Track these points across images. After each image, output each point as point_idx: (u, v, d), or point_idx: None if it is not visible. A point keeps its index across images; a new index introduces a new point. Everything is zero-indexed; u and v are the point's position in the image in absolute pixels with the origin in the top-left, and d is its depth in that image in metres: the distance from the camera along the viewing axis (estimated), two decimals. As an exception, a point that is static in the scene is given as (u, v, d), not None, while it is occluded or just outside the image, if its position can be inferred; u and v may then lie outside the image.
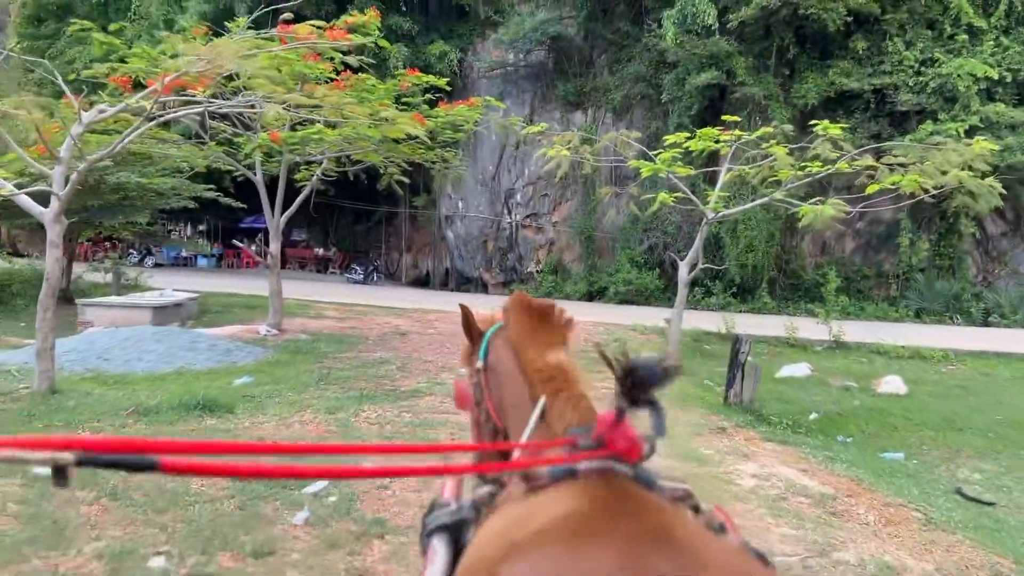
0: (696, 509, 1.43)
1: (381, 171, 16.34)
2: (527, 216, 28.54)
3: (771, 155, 12.41)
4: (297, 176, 14.53)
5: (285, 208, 14.10)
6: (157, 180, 15.33)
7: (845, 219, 24.49)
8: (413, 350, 12.69)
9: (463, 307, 1.91)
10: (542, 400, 1.52)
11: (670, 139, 10.89)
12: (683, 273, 12.41)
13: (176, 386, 8.45)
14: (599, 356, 1.33)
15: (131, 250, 33.76)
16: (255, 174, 13.83)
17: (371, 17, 11.27)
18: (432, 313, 18.76)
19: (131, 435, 5.17)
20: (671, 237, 25.53)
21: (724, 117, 13.44)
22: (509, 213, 28.91)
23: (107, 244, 31.57)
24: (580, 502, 1.17)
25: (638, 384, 1.24)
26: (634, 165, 11.37)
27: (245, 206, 20.82)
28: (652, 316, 20.28)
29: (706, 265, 13.87)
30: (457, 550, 1.44)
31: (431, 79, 12.37)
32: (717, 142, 12.19)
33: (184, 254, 35.64)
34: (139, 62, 9.68)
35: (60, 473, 0.77)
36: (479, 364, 1.90)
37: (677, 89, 23.97)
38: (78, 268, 20.66)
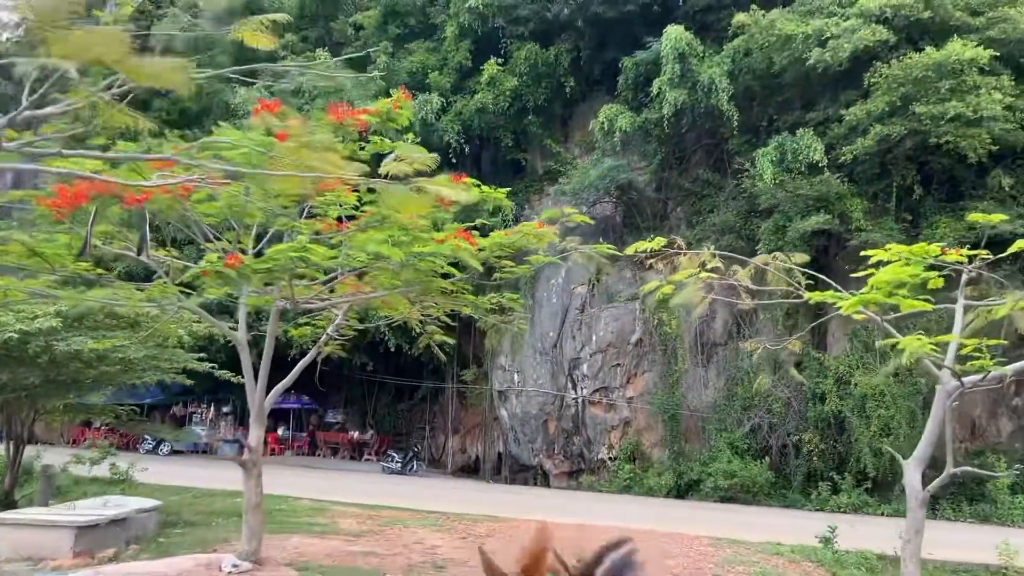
0: None
1: (415, 330, 12.32)
2: (596, 391, 23.97)
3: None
4: (293, 334, 10.57)
5: (277, 379, 9.97)
6: (117, 344, 11.44)
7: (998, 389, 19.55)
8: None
9: (481, 552, 1.68)
10: None
11: (876, 254, 6.59)
12: (914, 479, 7.48)
13: None
14: None
15: (146, 436, 29.90)
16: (239, 329, 9.85)
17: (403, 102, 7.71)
18: (482, 522, 13.92)
19: None
20: (777, 417, 20.57)
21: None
22: (574, 387, 24.39)
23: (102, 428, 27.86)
24: None
25: None
26: (818, 299, 7.08)
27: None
28: (777, 524, 15.04)
29: (964, 469, 9.06)
30: None
31: (489, 192, 8.51)
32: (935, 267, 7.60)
33: (205, 440, 31.60)
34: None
35: None
36: None
37: (776, 238, 19.94)
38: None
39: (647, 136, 23.63)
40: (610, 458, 23.25)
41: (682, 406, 22.26)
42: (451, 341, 12.84)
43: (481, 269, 7.85)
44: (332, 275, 8.92)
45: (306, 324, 10.73)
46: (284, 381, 10.13)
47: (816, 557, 11.07)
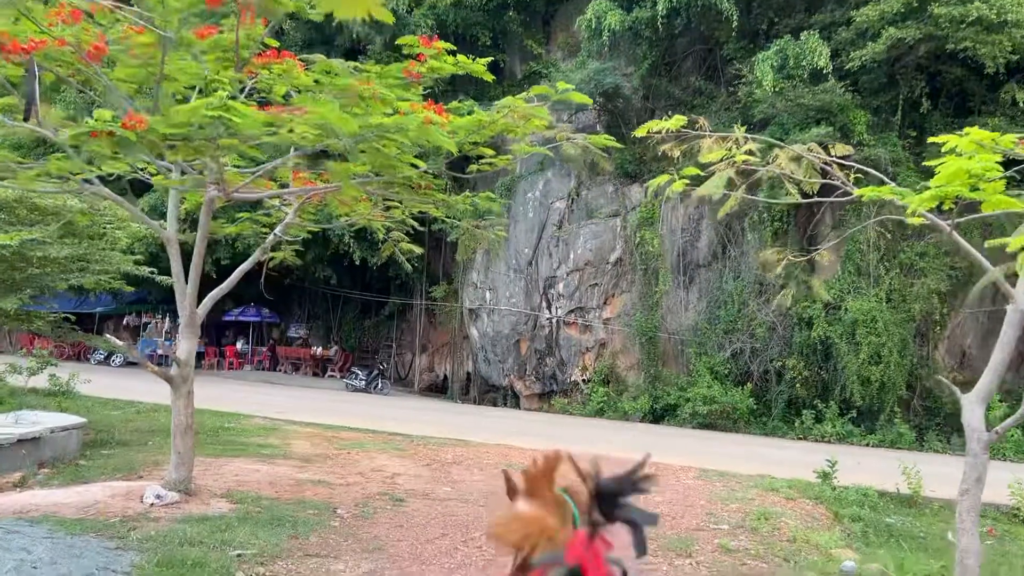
0: None
1: (380, 236, 10.89)
2: (571, 311, 22.84)
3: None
4: (229, 230, 9.09)
5: (212, 284, 8.52)
6: (27, 239, 9.81)
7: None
8: (413, 546, 6.76)
9: (505, 474, 1.36)
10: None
11: (949, 140, 5.23)
12: (975, 417, 6.23)
13: None
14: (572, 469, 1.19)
15: (97, 346, 28.35)
16: (168, 224, 8.29)
17: None
18: (449, 446, 12.82)
19: None
20: (761, 342, 19.62)
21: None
22: (549, 307, 23.23)
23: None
24: None
25: (608, 499, 1.16)
26: (871, 195, 5.71)
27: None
28: (762, 454, 14.20)
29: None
30: None
31: (465, 62, 6.93)
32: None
33: (160, 351, 30.10)
34: None
35: None
36: None
37: (772, 152, 18.51)
38: None
39: (637, 38, 21.81)
40: (584, 380, 22.33)
41: (661, 329, 21.25)
42: (418, 250, 11.42)
43: (455, 151, 6.36)
44: (273, 161, 7.39)
45: (246, 220, 9.15)
46: (220, 287, 8.70)
47: (814, 494, 10.13)
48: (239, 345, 31.07)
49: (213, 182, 6.93)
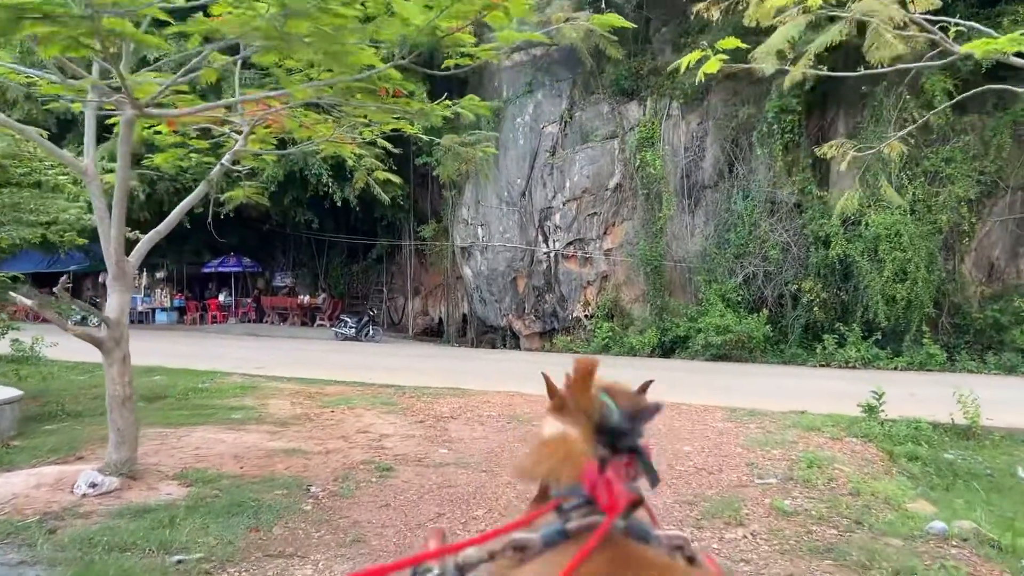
0: (692, 560, 1.35)
1: (351, 164, 9.39)
2: (569, 243, 21.43)
3: None
4: (157, 161, 7.58)
5: (150, 222, 7.03)
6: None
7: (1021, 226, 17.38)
8: (400, 534, 5.49)
9: (545, 376, 1.67)
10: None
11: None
12: None
13: None
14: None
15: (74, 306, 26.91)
16: (85, 156, 6.77)
17: None
18: (445, 397, 11.56)
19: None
20: (774, 265, 18.28)
21: None
22: (546, 240, 21.81)
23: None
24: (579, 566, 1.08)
25: (615, 432, 1.26)
26: (985, 51, 4.26)
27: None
28: (786, 386, 12.99)
29: None
30: None
31: None
32: None
33: (140, 308, 28.74)
34: None
35: None
36: None
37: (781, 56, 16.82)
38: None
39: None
40: (586, 316, 21.06)
41: (666, 257, 19.88)
42: (396, 180, 9.92)
43: (421, 22, 4.83)
44: (194, 58, 5.82)
45: (179, 146, 7.60)
46: (157, 228, 7.25)
47: (861, 431, 8.91)
48: (222, 297, 29.68)
49: (126, 98, 5.39)
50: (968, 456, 8.66)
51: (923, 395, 11.46)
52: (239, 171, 9.15)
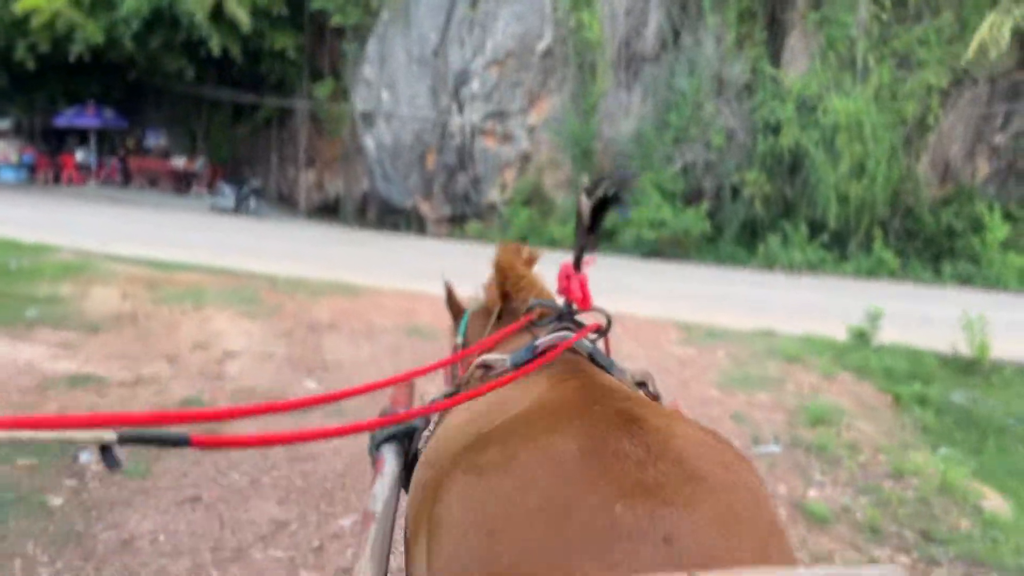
0: (656, 398, 1.35)
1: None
2: (488, 116, 18.64)
3: None
4: None
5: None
6: None
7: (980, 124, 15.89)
8: (205, 572, 3.15)
9: (447, 284, 1.71)
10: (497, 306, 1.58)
11: None
12: None
13: None
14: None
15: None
16: None
17: None
18: (326, 294, 9.07)
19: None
20: (716, 153, 16.22)
21: None
22: (460, 111, 18.94)
23: None
24: (547, 392, 1.11)
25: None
26: None
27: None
28: (734, 294, 11.10)
29: None
30: (409, 457, 1.39)
31: None
32: None
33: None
34: None
35: (106, 452, 0.74)
36: (458, 341, 1.81)
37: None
38: None
39: None
40: (503, 202, 18.62)
41: (597, 138, 17.48)
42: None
43: None
44: None
45: None
46: None
47: (853, 363, 7.07)
48: (79, 155, 25.42)
49: None
50: (979, 398, 6.98)
51: (891, 312, 9.80)
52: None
